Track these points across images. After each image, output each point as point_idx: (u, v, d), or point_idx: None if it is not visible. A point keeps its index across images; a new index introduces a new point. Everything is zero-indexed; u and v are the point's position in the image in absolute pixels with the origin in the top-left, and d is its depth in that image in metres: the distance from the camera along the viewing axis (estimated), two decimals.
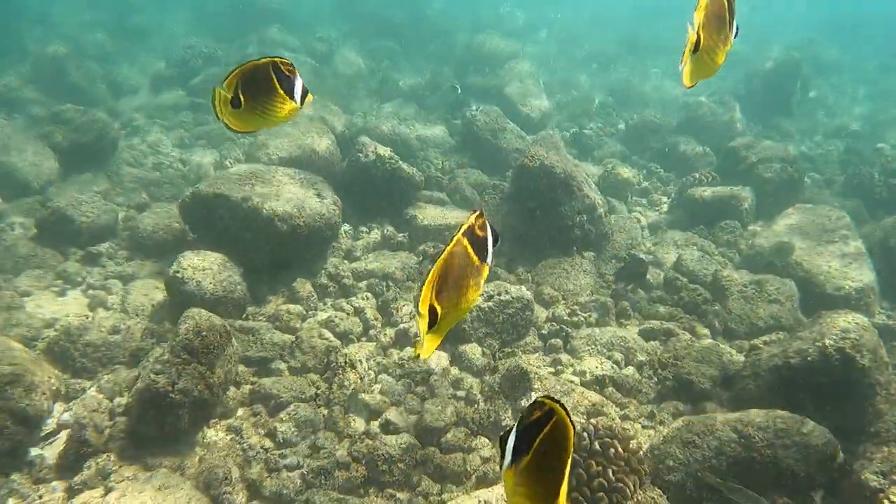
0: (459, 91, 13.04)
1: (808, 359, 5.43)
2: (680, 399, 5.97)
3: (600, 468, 4.56)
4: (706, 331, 7.03)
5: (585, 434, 4.72)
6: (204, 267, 6.64)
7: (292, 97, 3.05)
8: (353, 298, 7.11)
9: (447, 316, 2.27)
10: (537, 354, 6.53)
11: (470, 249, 2.35)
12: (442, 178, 9.85)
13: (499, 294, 6.54)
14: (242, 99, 2.94)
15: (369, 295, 7.18)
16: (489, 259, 2.39)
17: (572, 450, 1.85)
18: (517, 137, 10.83)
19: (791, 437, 4.88)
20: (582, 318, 6.94)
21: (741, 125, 12.56)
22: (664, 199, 10.32)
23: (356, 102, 13.49)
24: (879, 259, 8.18)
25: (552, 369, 6.23)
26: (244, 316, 6.77)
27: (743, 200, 9.25)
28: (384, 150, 8.77)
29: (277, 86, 2.97)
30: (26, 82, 12.85)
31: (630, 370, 6.30)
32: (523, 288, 6.78)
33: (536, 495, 1.85)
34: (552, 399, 1.91)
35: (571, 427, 1.84)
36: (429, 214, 8.51)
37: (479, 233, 2.38)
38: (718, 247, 8.80)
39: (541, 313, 7.07)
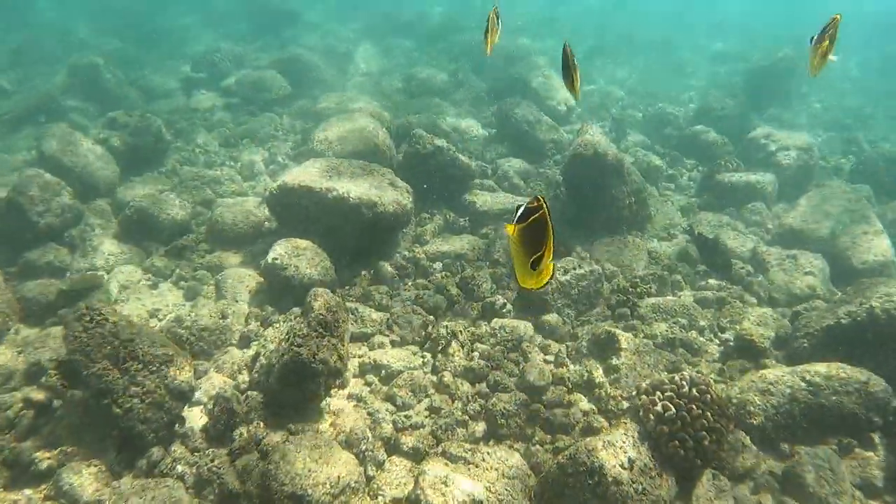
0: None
1: (858, 318, 6.09)
2: (742, 357, 6.59)
3: (700, 412, 5.16)
4: (753, 298, 7.68)
5: (683, 382, 5.32)
6: (299, 253, 7.14)
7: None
8: (433, 277, 7.65)
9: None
10: (609, 322, 7.12)
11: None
12: (487, 167, 10.41)
13: (574, 269, 7.12)
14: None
15: (448, 273, 7.72)
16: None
17: (552, 233, 2.77)
18: (551, 128, 11.43)
19: (852, 385, 5.53)
20: (644, 290, 7.54)
21: (750, 116, 13.25)
22: (691, 183, 10.97)
23: (388, 97, 13.96)
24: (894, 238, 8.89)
25: (628, 333, 6.82)
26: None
27: (767, 184, 9.93)
28: (441, 142, 9.30)
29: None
30: (62, 91, 13.14)
31: (694, 333, 6.93)
32: (593, 263, 7.38)
33: (528, 248, 2.82)
34: (542, 199, 2.77)
35: (549, 220, 2.76)
36: (485, 200, 9.07)
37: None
38: (748, 226, 9.46)
39: (604, 287, 7.66)
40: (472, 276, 7.54)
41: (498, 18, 6.03)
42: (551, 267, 2.89)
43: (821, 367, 5.71)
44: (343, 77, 15.13)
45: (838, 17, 4.52)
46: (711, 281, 7.94)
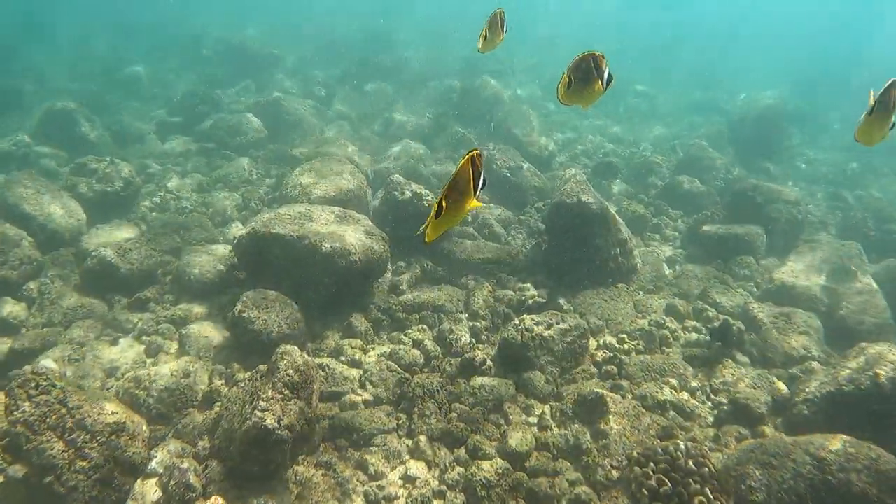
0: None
1: (862, 387, 5.79)
2: (738, 422, 6.24)
3: (698, 487, 4.78)
4: (746, 359, 7.37)
5: (679, 452, 4.95)
6: (268, 305, 6.75)
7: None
8: (410, 331, 7.28)
9: (447, 215, 3.15)
10: (595, 380, 6.76)
11: (471, 176, 3.14)
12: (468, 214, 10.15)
13: (558, 323, 6.78)
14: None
15: (424, 327, 7.35)
16: (478, 193, 3.20)
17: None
18: (534, 175, 11.23)
19: (861, 461, 5.13)
20: (631, 346, 7.22)
21: (735, 168, 13.19)
22: (676, 234, 10.76)
23: (366, 142, 13.75)
24: (886, 291, 8.67)
25: (616, 395, 6.45)
26: (305, 352, 6.85)
27: (757, 237, 9.74)
28: (418, 188, 9.03)
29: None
30: (34, 137, 12.77)
31: (685, 395, 6.58)
32: (578, 317, 7.06)
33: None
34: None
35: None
36: (465, 248, 8.76)
37: (479, 165, 3.16)
38: (736, 280, 9.22)
39: (591, 342, 7.32)
40: (451, 330, 7.19)
41: (503, 22, 5.91)
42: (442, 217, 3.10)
43: (825, 440, 5.34)
44: (321, 121, 14.93)
45: None
46: (699, 337, 7.64)
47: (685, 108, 21.84)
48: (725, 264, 9.53)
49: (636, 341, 7.31)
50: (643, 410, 6.05)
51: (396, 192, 8.85)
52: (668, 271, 9.44)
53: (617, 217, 8.69)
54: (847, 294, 8.42)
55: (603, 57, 4.20)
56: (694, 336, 7.68)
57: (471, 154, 3.11)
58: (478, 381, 6.37)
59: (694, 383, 6.76)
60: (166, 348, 7.04)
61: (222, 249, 8.67)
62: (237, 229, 9.76)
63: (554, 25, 32.61)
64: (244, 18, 27.17)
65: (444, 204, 3.10)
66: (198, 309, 7.68)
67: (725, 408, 6.40)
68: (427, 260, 8.70)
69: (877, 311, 8.20)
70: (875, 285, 8.59)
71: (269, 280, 7.30)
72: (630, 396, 6.47)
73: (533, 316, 6.89)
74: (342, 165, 9.97)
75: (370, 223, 8.08)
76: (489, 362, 6.66)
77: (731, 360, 7.23)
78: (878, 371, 5.83)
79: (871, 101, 4.12)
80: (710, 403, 6.57)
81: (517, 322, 6.85)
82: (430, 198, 8.86)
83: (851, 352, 6.55)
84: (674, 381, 6.66)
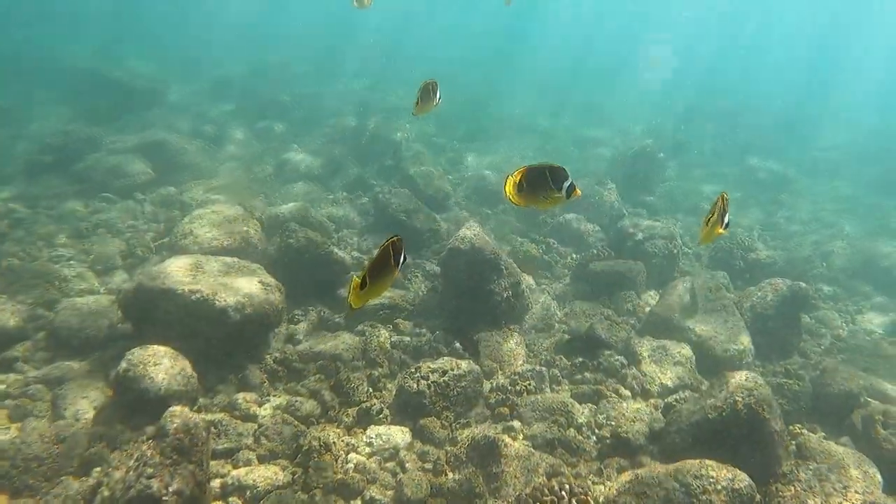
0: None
1: (723, 414, 6.43)
2: (620, 455, 6.74)
3: None
4: (627, 392, 7.94)
5: (563, 492, 5.33)
6: (157, 361, 6.67)
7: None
8: (307, 381, 7.37)
9: (371, 289, 3.90)
10: (488, 423, 7.10)
11: (392, 255, 3.88)
12: (363, 258, 10.37)
13: (452, 369, 7.10)
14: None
15: (322, 377, 7.47)
16: (399, 268, 3.95)
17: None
18: (429, 218, 11.59)
19: (720, 483, 5.72)
20: (523, 387, 7.62)
21: (619, 205, 14.09)
22: (566, 271, 11.40)
23: (261, 184, 13.73)
24: (749, 322, 9.57)
25: (507, 437, 6.80)
26: (196, 408, 6.82)
27: (638, 273, 10.51)
28: (314, 234, 9.19)
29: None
30: None
31: (572, 432, 7.03)
32: (472, 363, 7.40)
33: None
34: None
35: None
36: None
37: (399, 246, 3.91)
38: (620, 315, 9.90)
39: (484, 384, 7.67)
40: (348, 379, 7.35)
41: (436, 91, 6.63)
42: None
43: (692, 466, 5.86)
44: (212, 161, 14.78)
45: (725, 194, 5.11)
46: (588, 374, 8.16)
47: (577, 143, 23.03)
48: (611, 300, 10.23)
49: (527, 381, 7.72)
50: (533, 451, 6.41)
51: (291, 240, 8.97)
52: (557, 309, 9.99)
53: (509, 261, 9.15)
54: (714, 324, 9.22)
55: (564, 169, 4.27)
56: (580, 374, 8.19)
57: (391, 240, 3.87)
58: (374, 430, 6.57)
59: (580, 419, 7.23)
60: (37, 411, 6.77)
61: (105, 300, 8.47)
62: (122, 280, 9.52)
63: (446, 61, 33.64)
64: (128, 48, 26.30)
65: (367, 280, 3.81)
66: (77, 367, 7.44)
67: (608, 441, 6.90)
68: (324, 307, 8.83)
69: (738, 340, 9.03)
70: (738, 314, 9.46)
71: (158, 334, 7.20)
72: (521, 437, 6.85)
73: (429, 363, 7.18)
74: (234, 211, 9.97)
75: (264, 273, 8.15)
76: (386, 410, 6.88)
77: (616, 395, 7.79)
78: (736, 399, 6.47)
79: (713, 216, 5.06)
80: (594, 438, 7.05)
81: (413, 369, 7.12)
82: (325, 246, 9.04)
83: (716, 380, 7.20)
84: (562, 420, 7.10)
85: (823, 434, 7.86)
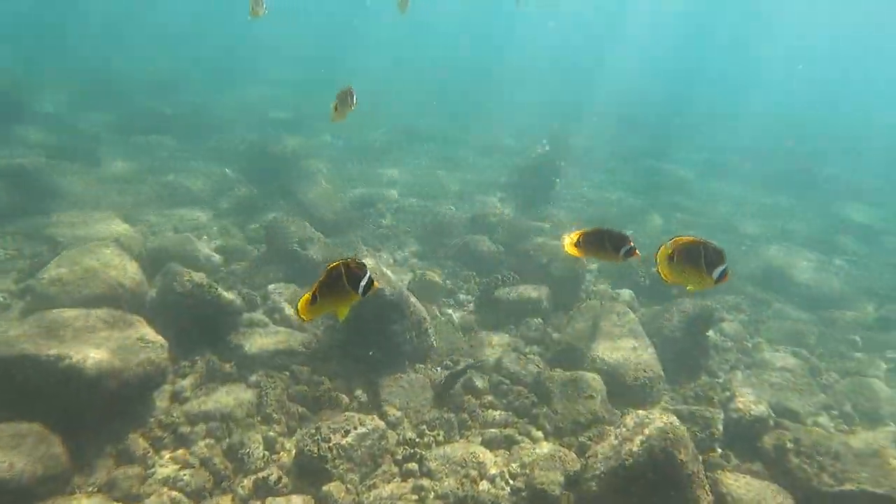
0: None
1: (639, 459, 6.40)
2: None
3: None
4: (540, 433, 7.85)
5: None
6: (16, 443, 5.99)
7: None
8: (196, 447, 6.85)
9: (322, 306, 4.00)
10: (396, 481, 6.82)
11: (345, 274, 3.93)
12: (256, 296, 9.84)
13: (355, 427, 6.77)
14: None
15: (212, 441, 6.97)
16: (360, 290, 3.96)
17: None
18: (327, 248, 11.15)
19: None
20: (431, 438, 7.38)
21: (527, 223, 14.06)
22: (470, 297, 11.24)
23: (141, 210, 12.83)
24: (656, 343, 9.72)
25: (416, 497, 6.55)
26: (70, 490, 6.19)
27: (543, 299, 10.48)
28: (199, 277, 8.61)
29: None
30: None
31: (486, 485, 6.86)
32: (376, 418, 7.10)
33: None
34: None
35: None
36: (255, 342, 8.47)
37: (356, 269, 3.96)
38: (527, 344, 9.85)
39: (390, 436, 7.38)
40: (241, 443, 6.89)
41: (353, 96, 6.88)
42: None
43: None
44: (86, 184, 13.70)
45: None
46: (497, 415, 8.02)
47: (483, 151, 23.03)
48: (517, 328, 10.15)
49: (435, 431, 7.49)
50: None
51: (175, 284, 8.36)
52: (463, 341, 9.82)
53: (411, 299, 8.86)
54: (623, 350, 9.29)
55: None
56: (490, 415, 8.05)
57: (344, 261, 3.97)
58: (272, 501, 6.16)
59: (493, 470, 7.07)
60: None
61: None
62: None
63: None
64: None
65: (316, 296, 3.93)
66: None
67: (524, 493, 6.77)
68: (214, 356, 8.28)
69: (647, 365, 9.15)
70: (646, 339, 9.59)
71: (20, 406, 6.47)
72: (432, 496, 6.61)
73: (329, 423, 6.81)
74: (110, 252, 9.19)
75: (144, 326, 7.53)
76: (285, 479, 6.47)
77: (528, 438, 7.69)
78: (652, 444, 6.46)
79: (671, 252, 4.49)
80: (508, 489, 6.91)
81: (314, 430, 6.74)
82: (213, 289, 8.48)
83: (629, 419, 7.14)
84: (473, 473, 6.91)
85: (737, 462, 8.02)
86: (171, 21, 38.61)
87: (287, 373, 8.27)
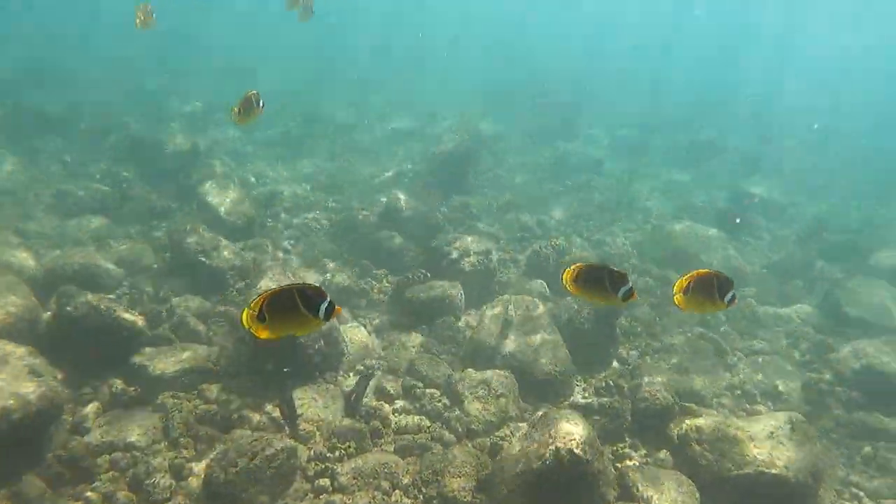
0: None
1: (547, 462, 6.64)
2: None
3: None
4: (452, 436, 8.04)
5: None
6: None
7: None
8: (98, 483, 6.71)
9: (277, 329, 3.93)
10: (308, 498, 6.87)
11: (298, 297, 3.88)
12: (161, 311, 9.63)
13: (263, 449, 6.75)
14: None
15: (116, 473, 6.84)
16: (321, 315, 3.94)
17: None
18: (233, 254, 10.97)
19: None
20: (343, 451, 7.45)
21: (439, 215, 14.14)
22: (382, 297, 11.29)
23: (32, 223, 12.26)
24: (567, 337, 10.02)
25: None
26: None
27: (455, 297, 10.64)
28: (96, 298, 8.37)
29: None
30: None
31: (397, 495, 7.00)
32: (285, 437, 7.11)
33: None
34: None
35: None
36: (160, 363, 8.31)
37: (311, 293, 3.92)
38: (441, 343, 10.00)
39: (302, 451, 7.40)
40: (148, 472, 6.79)
41: (259, 100, 7.11)
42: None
43: None
44: None
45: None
46: (410, 421, 8.17)
47: (392, 139, 22.90)
48: (430, 328, 10.28)
49: (347, 443, 7.57)
50: None
51: (69, 308, 8.09)
52: (376, 345, 9.89)
53: None
54: (533, 345, 9.56)
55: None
56: (404, 420, 8.18)
57: (298, 286, 3.92)
58: None
59: (405, 480, 7.20)
60: None
61: None
62: None
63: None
64: None
65: (266, 316, 3.82)
66: None
67: (435, 502, 6.94)
68: (117, 380, 8.07)
69: (558, 359, 9.46)
70: (558, 334, 9.89)
71: None
72: None
73: (236, 446, 6.76)
74: None
75: (36, 356, 7.28)
76: None
77: (440, 443, 7.86)
78: (557, 445, 6.71)
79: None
80: (422, 497, 7.07)
81: (220, 455, 6.70)
82: (111, 311, 8.25)
83: (539, 419, 7.38)
84: (385, 484, 7.03)
85: (645, 451, 8.42)
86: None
87: (195, 392, 8.18)
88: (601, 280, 4.90)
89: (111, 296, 9.75)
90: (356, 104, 25.95)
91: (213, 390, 8.18)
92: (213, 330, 9.44)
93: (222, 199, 13.16)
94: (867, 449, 9.35)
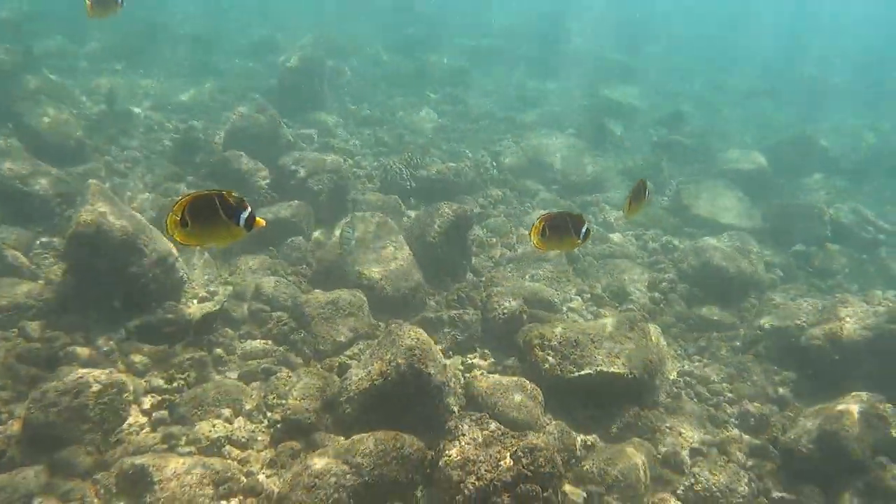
0: None
1: (390, 378, 6.77)
2: (293, 437, 6.81)
3: None
4: (300, 359, 8.02)
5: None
6: None
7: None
8: None
9: (198, 237, 3.97)
10: (144, 432, 6.69)
11: (218, 204, 3.88)
12: None
13: (89, 386, 6.46)
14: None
15: None
16: (241, 223, 3.96)
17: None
18: (57, 180, 10.09)
19: (390, 454, 6.09)
20: (182, 382, 7.27)
21: (287, 132, 13.60)
22: None
23: None
24: (419, 252, 10.13)
25: (166, 445, 6.50)
26: None
27: (305, 216, 10.42)
28: None
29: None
30: None
31: (240, 421, 6.95)
32: (114, 371, 6.84)
33: None
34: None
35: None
36: None
37: (231, 201, 3.92)
38: (290, 265, 9.84)
39: (137, 385, 7.15)
40: None
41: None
42: None
43: (361, 443, 6.08)
44: None
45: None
46: (256, 345, 8.07)
47: (242, 51, 21.64)
48: (279, 250, 10.07)
49: (186, 373, 7.38)
50: (195, 462, 6.14)
51: None
52: (223, 270, 9.60)
53: (149, 233, 8.30)
54: (382, 259, 9.61)
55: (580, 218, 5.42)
56: (249, 346, 8.07)
57: (218, 192, 3.89)
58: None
59: (248, 405, 7.16)
60: None
61: None
62: None
63: None
64: None
65: (188, 221, 3.81)
66: None
67: (280, 426, 6.92)
68: None
69: (408, 274, 9.58)
70: (403, 242, 9.96)
71: None
72: (184, 441, 6.58)
73: (56, 383, 6.41)
74: None
75: None
76: (12, 450, 6.11)
77: (286, 366, 7.83)
78: (399, 361, 6.83)
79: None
80: (266, 422, 7.05)
81: (39, 395, 6.34)
82: None
83: (384, 337, 7.47)
84: (227, 412, 6.95)
85: (493, 360, 8.75)
86: None
87: (15, 330, 7.66)
88: (566, 227, 5.38)
89: None
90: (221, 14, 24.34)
91: (36, 328, 7.69)
92: (36, 263, 8.81)
93: (50, 120, 12.04)
94: (701, 341, 10.20)
